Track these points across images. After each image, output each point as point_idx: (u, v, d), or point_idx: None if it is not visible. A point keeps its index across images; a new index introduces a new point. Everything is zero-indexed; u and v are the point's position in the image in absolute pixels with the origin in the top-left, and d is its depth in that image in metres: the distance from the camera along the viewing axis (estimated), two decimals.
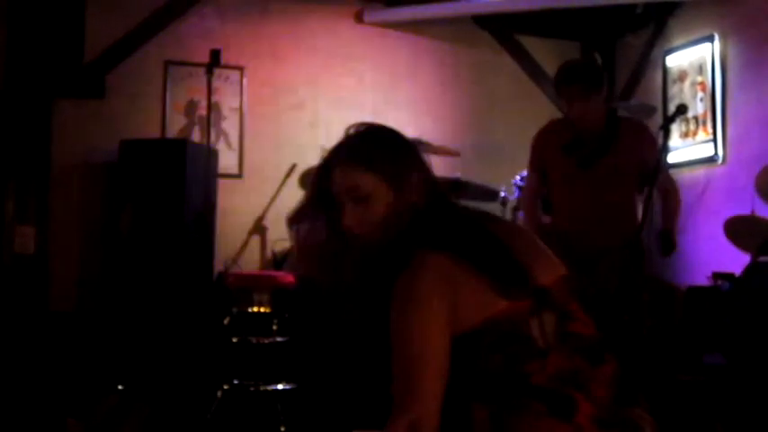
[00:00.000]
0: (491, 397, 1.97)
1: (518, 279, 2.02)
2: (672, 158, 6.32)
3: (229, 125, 6.49)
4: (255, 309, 5.09)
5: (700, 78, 6.18)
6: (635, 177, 4.26)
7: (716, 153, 5.99)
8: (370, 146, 2.11)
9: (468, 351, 1.98)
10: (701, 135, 6.13)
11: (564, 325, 2.03)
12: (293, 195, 6.31)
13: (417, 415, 1.88)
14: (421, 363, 1.92)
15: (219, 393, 4.84)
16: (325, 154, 2.16)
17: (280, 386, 4.93)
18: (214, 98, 5.60)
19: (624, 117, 4.55)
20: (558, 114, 7.18)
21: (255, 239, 6.46)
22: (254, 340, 5.02)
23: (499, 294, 1.98)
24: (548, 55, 7.25)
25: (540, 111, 7.16)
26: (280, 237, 6.21)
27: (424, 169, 2.15)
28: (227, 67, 6.04)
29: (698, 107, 6.16)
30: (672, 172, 6.20)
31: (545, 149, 4.46)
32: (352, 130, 2.17)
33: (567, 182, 4.34)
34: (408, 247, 2.02)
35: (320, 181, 2.13)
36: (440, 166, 4.87)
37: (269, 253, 6.37)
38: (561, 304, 2.04)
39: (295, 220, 2.25)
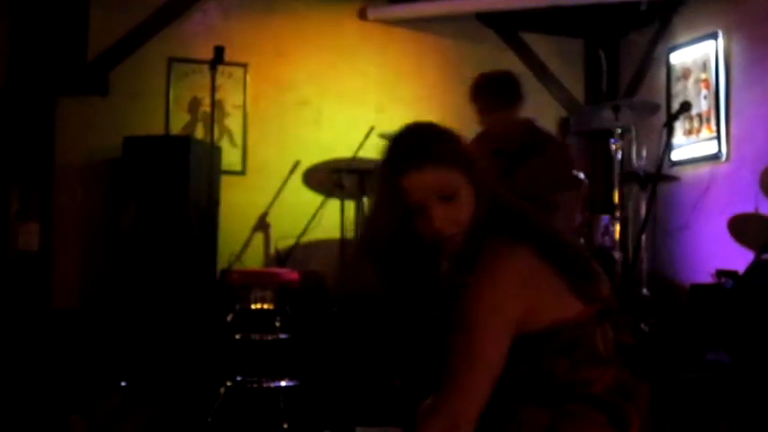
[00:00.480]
0: (548, 400, 1.92)
1: (593, 283, 1.98)
2: (675, 156, 6.32)
3: (233, 122, 6.49)
4: (258, 306, 5.09)
5: (703, 76, 6.17)
6: (547, 190, 4.29)
7: (720, 150, 5.98)
8: (442, 143, 2.03)
9: (534, 351, 1.92)
10: (705, 132, 6.12)
11: (617, 335, 2.00)
12: (296, 192, 6.33)
13: (457, 411, 1.83)
14: (476, 360, 1.86)
15: (222, 390, 4.84)
16: (384, 164, 2.05)
17: (283, 383, 4.92)
18: (217, 95, 5.59)
19: (545, 134, 4.53)
20: (563, 111, 7.20)
21: (259, 236, 6.46)
22: (256, 337, 5.01)
23: (577, 297, 1.94)
24: (552, 52, 7.25)
25: (544, 108, 7.16)
26: (283, 234, 6.22)
27: (485, 164, 2.10)
28: (230, 63, 6.02)
29: (702, 104, 6.15)
30: (676, 169, 6.24)
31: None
32: (405, 133, 2.08)
33: None
34: (486, 238, 1.96)
35: (393, 191, 2.00)
36: None
37: (272, 250, 6.37)
38: (614, 313, 2.01)
39: (376, 237, 2.09)
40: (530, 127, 4.50)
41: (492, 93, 4.31)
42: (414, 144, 2.03)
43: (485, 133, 4.52)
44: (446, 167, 1.97)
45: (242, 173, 6.46)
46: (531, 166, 4.30)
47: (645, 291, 5.29)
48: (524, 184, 4.26)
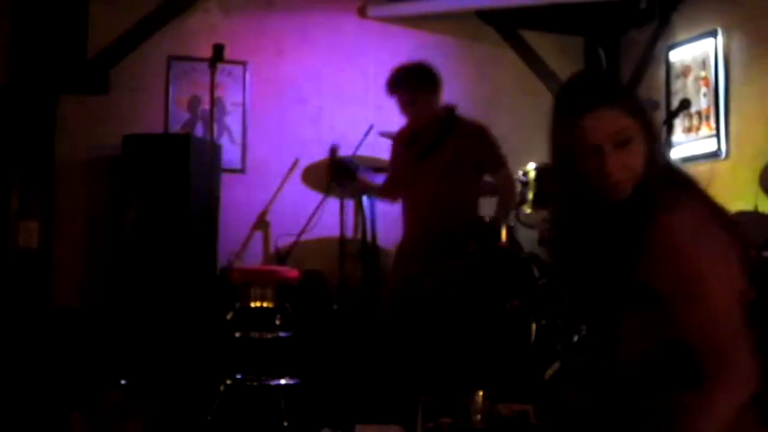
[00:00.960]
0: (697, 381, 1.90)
1: (749, 256, 2.01)
2: (675, 154, 6.32)
3: (232, 120, 6.49)
4: (258, 304, 5.09)
5: (703, 73, 6.17)
6: (469, 171, 4.53)
7: (719, 148, 5.98)
8: (621, 90, 2.08)
9: None
10: (705, 130, 6.12)
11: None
12: (296, 190, 6.32)
13: (736, 385, 1.85)
14: (733, 320, 1.88)
15: (222, 388, 4.84)
16: (561, 103, 2.11)
17: (283, 381, 4.93)
18: (217, 93, 5.60)
19: (462, 117, 4.69)
20: None
21: (259, 234, 6.47)
22: (256, 335, 5.02)
23: (742, 269, 1.94)
24: (551, 50, 7.24)
25: (544, 106, 7.09)
26: (283, 232, 6.21)
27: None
28: (230, 62, 6.04)
29: (701, 102, 6.14)
30: None
31: (395, 148, 4.79)
32: (583, 75, 2.18)
33: (408, 174, 4.60)
34: (660, 191, 1.98)
35: (568, 130, 2.04)
36: None
37: (272, 248, 6.38)
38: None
39: (559, 173, 2.15)
40: (451, 111, 4.66)
41: (402, 86, 4.46)
42: (594, 86, 2.07)
43: (407, 127, 4.71)
44: (624, 113, 2.00)
45: (242, 171, 6.47)
46: (454, 145, 4.51)
47: None
48: (448, 159, 4.41)
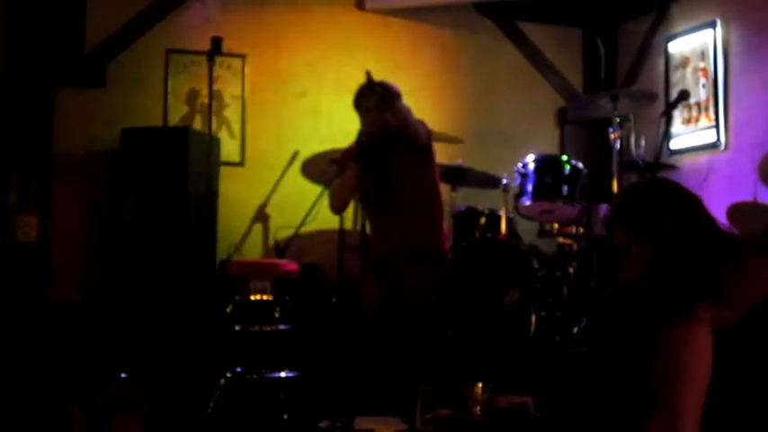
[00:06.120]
0: None
1: None
2: (674, 145, 6.32)
3: (231, 113, 6.48)
4: (258, 296, 5.09)
5: (702, 64, 6.16)
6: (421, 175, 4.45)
7: (718, 139, 5.97)
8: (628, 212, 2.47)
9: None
10: (704, 121, 6.12)
11: None
12: (295, 183, 6.32)
13: (665, 424, 2.09)
14: (674, 379, 2.15)
15: (222, 381, 4.85)
16: None
17: (282, 374, 4.94)
18: (216, 86, 5.59)
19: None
20: (561, 101, 7.19)
21: (258, 227, 6.46)
22: (256, 328, 5.02)
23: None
24: (549, 41, 7.23)
25: (542, 97, 7.16)
26: (282, 224, 6.22)
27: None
28: (228, 55, 6.02)
29: (700, 93, 6.14)
30: (674, 158, 6.24)
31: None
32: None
33: (370, 199, 4.57)
34: None
35: None
36: (441, 153, 4.87)
37: (271, 241, 6.37)
38: None
39: None
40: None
41: (371, 96, 4.52)
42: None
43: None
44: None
45: (240, 164, 6.46)
46: (396, 163, 4.46)
47: None
48: (399, 172, 4.44)
